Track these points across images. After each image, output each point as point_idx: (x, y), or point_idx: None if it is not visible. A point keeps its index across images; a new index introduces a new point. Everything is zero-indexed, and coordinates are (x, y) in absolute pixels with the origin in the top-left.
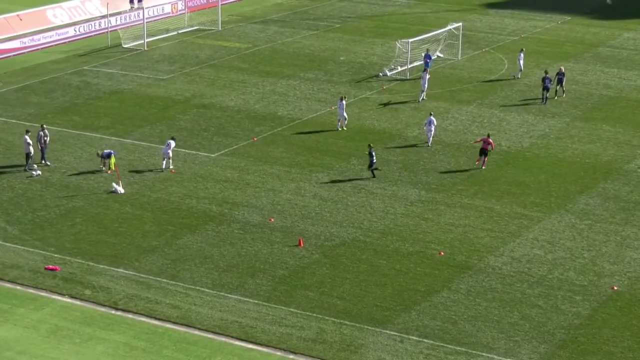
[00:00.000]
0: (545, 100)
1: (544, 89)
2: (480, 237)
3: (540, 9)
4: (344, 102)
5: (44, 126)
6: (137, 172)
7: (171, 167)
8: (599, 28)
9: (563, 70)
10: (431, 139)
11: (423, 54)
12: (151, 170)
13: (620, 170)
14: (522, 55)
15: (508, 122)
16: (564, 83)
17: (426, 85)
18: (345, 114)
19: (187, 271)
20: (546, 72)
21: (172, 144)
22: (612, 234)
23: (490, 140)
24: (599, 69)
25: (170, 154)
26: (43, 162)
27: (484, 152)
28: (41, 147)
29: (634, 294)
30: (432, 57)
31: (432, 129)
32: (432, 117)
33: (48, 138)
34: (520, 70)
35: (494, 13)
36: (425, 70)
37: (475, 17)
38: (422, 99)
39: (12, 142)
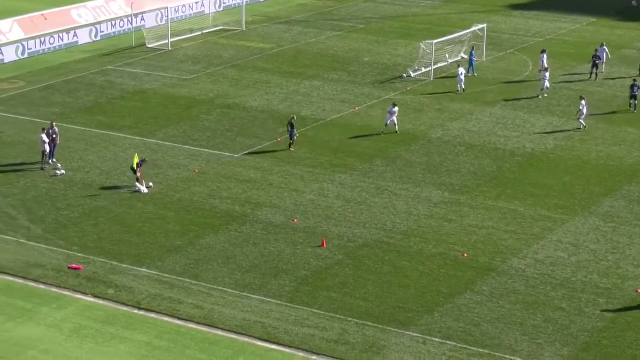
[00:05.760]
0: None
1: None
2: (504, 239)
3: (565, 10)
4: (545, 54)
5: (54, 124)
6: (161, 171)
7: (396, 129)
8: (624, 30)
9: None
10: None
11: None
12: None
13: None
14: (544, 56)
15: (532, 124)
16: None
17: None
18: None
19: (210, 271)
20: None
21: (395, 109)
22: (636, 236)
23: None
24: (623, 70)
25: (394, 119)
26: (51, 160)
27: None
28: (52, 145)
29: None
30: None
31: (461, 74)
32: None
33: (58, 136)
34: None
35: (518, 14)
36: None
37: (500, 19)
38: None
39: (36, 141)
